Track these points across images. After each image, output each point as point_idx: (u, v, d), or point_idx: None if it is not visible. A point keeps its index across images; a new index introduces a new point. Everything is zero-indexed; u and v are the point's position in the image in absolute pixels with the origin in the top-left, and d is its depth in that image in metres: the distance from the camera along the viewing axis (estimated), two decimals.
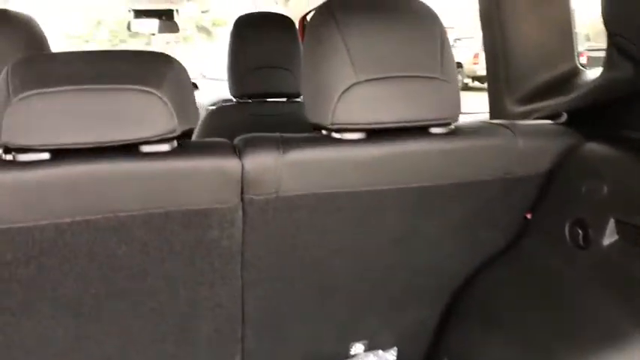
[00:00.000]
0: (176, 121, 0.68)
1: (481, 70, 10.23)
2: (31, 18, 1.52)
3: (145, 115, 0.66)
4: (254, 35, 1.64)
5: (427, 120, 0.79)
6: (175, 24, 2.70)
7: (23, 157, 0.65)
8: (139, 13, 2.62)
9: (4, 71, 0.68)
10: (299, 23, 2.67)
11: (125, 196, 0.69)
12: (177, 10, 2.67)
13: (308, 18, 2.71)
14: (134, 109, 0.66)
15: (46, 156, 0.65)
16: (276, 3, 2.47)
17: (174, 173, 0.70)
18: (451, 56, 0.81)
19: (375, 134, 0.78)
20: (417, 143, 0.79)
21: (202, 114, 2.84)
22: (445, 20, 0.83)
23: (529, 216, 0.95)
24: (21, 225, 0.66)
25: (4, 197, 0.64)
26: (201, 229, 0.74)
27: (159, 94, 0.66)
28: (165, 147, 0.69)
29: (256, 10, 2.78)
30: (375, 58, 0.75)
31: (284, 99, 1.72)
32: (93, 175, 0.66)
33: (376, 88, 0.75)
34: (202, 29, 14.90)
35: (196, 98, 2.59)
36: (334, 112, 0.74)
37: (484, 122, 0.91)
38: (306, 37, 0.83)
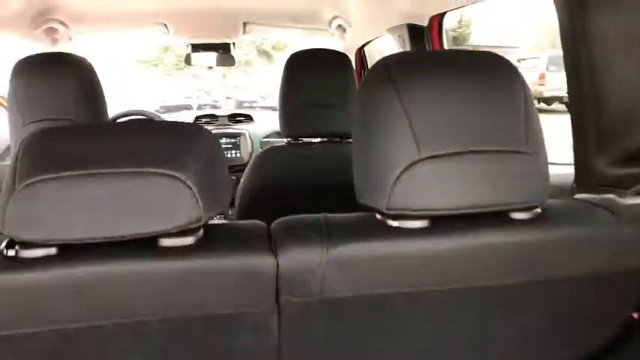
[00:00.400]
0: (202, 209, 0.58)
1: (547, 91, 9.71)
2: (84, 59, 1.52)
3: (165, 204, 0.57)
4: (307, 73, 1.56)
5: (507, 204, 0.64)
6: (232, 57, 2.68)
7: (27, 253, 0.57)
8: (197, 47, 2.63)
9: (17, 149, 0.60)
10: (355, 55, 2.58)
11: (141, 297, 0.59)
12: (233, 44, 2.66)
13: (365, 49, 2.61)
14: (153, 196, 0.56)
15: (53, 251, 0.57)
16: (332, 35, 2.39)
17: (197, 272, 0.60)
18: (537, 122, 0.66)
19: (442, 222, 0.64)
20: (494, 233, 0.65)
21: (256, 146, 2.82)
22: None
23: (635, 315, 0.77)
24: (24, 331, 0.58)
25: (4, 299, 0.56)
26: (230, 336, 0.63)
27: (182, 178, 0.57)
28: (188, 240, 0.59)
29: (311, 40, 2.75)
30: (442, 129, 0.61)
31: (337, 139, 1.63)
32: (105, 274, 0.57)
33: (443, 165, 0.61)
34: (263, 53, 15.23)
35: (251, 129, 2.54)
36: (391, 194, 0.61)
37: (576, 200, 0.74)
38: (358, 99, 0.71)
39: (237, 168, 2.83)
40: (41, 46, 2.22)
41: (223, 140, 2.77)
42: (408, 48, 1.75)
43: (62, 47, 2.30)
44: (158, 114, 2.69)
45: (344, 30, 2.24)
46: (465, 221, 0.64)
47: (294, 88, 1.55)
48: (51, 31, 2.07)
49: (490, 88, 0.65)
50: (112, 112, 1.67)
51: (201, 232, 0.61)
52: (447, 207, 0.62)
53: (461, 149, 0.61)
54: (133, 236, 0.57)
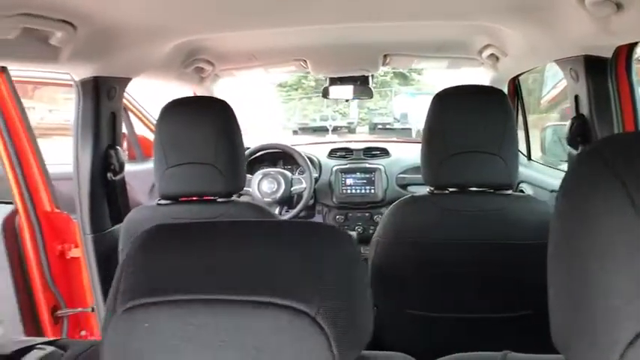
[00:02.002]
0: (336, 355, 0.43)
1: None
2: (225, 103, 1.51)
3: (289, 348, 0.42)
4: (458, 112, 1.36)
5: None
6: (369, 89, 2.58)
7: None
8: (335, 80, 2.57)
9: (129, 250, 0.52)
10: (508, 86, 2.30)
11: None
12: (372, 76, 2.55)
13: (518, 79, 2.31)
14: (271, 335, 0.43)
15: None
16: (482, 64, 2.14)
17: None
18: None
19: None
20: None
21: (391, 182, 2.65)
22: None
23: None
24: None
25: None
26: None
27: (312, 314, 0.42)
28: None
29: (452, 67, 2.53)
30: None
31: (490, 190, 1.39)
32: None
33: None
34: (399, 75, 15.12)
35: (386, 164, 2.35)
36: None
37: None
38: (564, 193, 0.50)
39: (370, 205, 2.70)
40: (188, 84, 2.34)
41: (357, 175, 2.66)
42: (583, 83, 1.46)
43: (208, 85, 2.40)
44: (293, 148, 2.67)
45: (496, 59, 1.99)
46: None
47: (441, 129, 1.36)
48: (198, 70, 2.15)
49: None
50: (247, 140, 1.65)
51: None
52: None
53: None
54: None
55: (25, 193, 1.72)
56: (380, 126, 13.73)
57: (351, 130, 14.43)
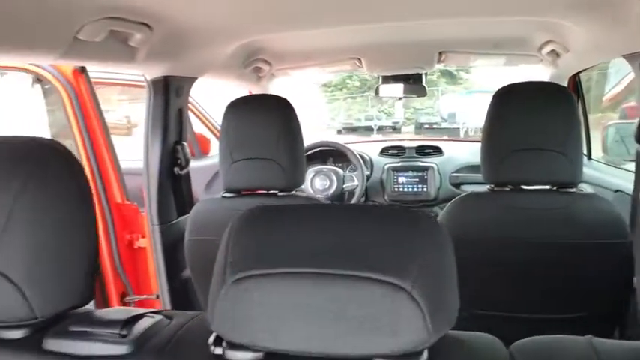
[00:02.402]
0: (430, 329, 0.46)
1: None
2: (286, 101, 1.57)
3: (385, 319, 0.46)
4: (519, 110, 1.35)
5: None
6: (423, 87, 2.58)
7: (234, 355, 0.51)
8: (388, 79, 2.59)
9: (228, 232, 0.56)
10: (569, 82, 2.25)
11: None
12: (425, 74, 2.55)
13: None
14: (370, 308, 0.46)
15: (259, 356, 0.51)
16: (541, 60, 2.11)
17: None
18: None
19: None
20: None
21: (444, 181, 2.64)
22: None
23: None
24: None
25: None
26: None
27: (408, 289, 0.45)
28: None
29: (511, 70, 2.48)
30: None
31: (552, 188, 1.38)
32: None
33: None
34: (446, 73, 14.87)
35: (439, 163, 2.36)
36: None
37: None
38: None
39: (423, 204, 2.70)
40: (246, 83, 2.42)
41: (410, 173, 2.66)
42: None
43: (264, 84, 2.48)
44: (346, 145, 2.70)
45: (557, 55, 1.95)
46: None
47: (503, 125, 1.36)
48: (256, 69, 2.23)
49: None
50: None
51: (425, 354, 0.49)
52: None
53: None
54: (346, 356, 0.48)
55: (99, 186, 1.84)
56: (426, 126, 13.54)
57: (396, 130, 14.31)
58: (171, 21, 1.33)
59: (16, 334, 0.59)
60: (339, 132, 14.06)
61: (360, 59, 2.30)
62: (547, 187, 1.38)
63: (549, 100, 1.36)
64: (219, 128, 2.95)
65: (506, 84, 1.43)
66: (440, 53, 2.21)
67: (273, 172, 1.51)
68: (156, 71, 1.63)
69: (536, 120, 1.33)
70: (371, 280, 0.46)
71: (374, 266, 0.47)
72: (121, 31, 1.25)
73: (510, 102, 1.38)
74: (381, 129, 13.75)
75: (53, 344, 0.57)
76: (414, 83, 2.56)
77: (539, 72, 2.25)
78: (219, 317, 0.51)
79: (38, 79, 1.73)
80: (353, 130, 13.63)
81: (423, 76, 2.55)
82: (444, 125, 13.41)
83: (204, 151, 2.98)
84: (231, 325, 0.50)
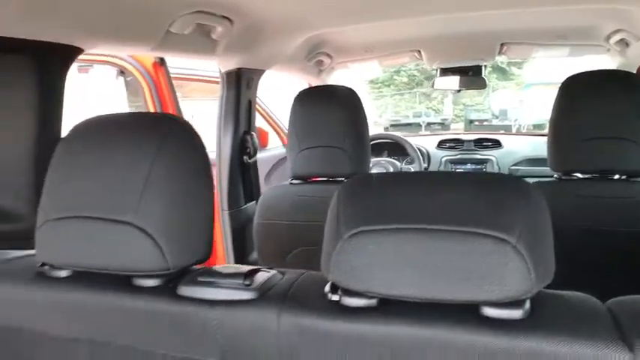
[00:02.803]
0: (533, 279, 0.50)
1: None
2: (353, 91, 1.63)
3: (493, 270, 0.51)
4: (588, 98, 1.35)
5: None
6: (482, 79, 2.57)
7: (349, 301, 0.58)
8: (446, 71, 2.59)
9: (337, 196, 0.63)
10: (638, 72, 2.18)
11: None
12: (485, 66, 2.54)
13: None
14: (480, 260, 0.51)
15: (373, 303, 0.57)
16: (607, 50, 2.06)
17: (524, 351, 0.52)
18: None
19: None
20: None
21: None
22: None
23: None
24: None
25: (326, 343, 0.58)
26: None
27: (513, 243, 0.50)
28: (515, 313, 0.52)
29: (566, 62, 2.43)
30: None
31: (621, 177, 1.37)
32: (424, 337, 0.55)
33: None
34: (497, 69, 14.50)
35: (498, 155, 2.36)
36: None
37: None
38: None
39: None
40: (308, 76, 2.49)
41: (468, 166, 2.66)
42: None
43: (324, 77, 2.54)
44: (403, 138, 2.73)
45: (626, 45, 1.91)
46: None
47: (571, 115, 1.36)
48: (318, 63, 2.30)
49: None
50: None
51: (528, 305, 0.53)
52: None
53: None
54: (454, 301, 0.53)
55: None
56: (476, 122, 13.26)
57: (444, 127, 14.08)
58: (249, 14, 1.41)
59: (152, 282, 0.68)
60: (386, 129, 13.97)
61: (419, 51, 2.33)
62: (616, 176, 1.37)
63: (619, 88, 1.35)
64: (277, 122, 3.05)
65: (573, 74, 1.43)
66: (502, 45, 2.21)
67: (340, 160, 1.57)
68: (230, 64, 1.72)
69: (605, 108, 1.32)
70: (479, 235, 0.51)
71: (481, 223, 0.51)
72: (206, 25, 1.34)
73: (579, 91, 1.38)
74: (429, 126, 13.58)
75: (186, 291, 0.66)
76: (473, 75, 2.55)
77: (603, 62, 2.20)
78: (336, 268, 0.57)
79: (121, 71, 1.86)
80: (400, 126, 13.52)
81: (483, 69, 2.54)
82: (495, 122, 13.10)
83: (262, 144, 3.08)
84: (348, 275, 0.56)
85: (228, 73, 1.76)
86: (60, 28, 0.98)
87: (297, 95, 1.63)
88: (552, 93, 1.46)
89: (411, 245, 0.53)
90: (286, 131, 3.09)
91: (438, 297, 0.53)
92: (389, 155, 2.88)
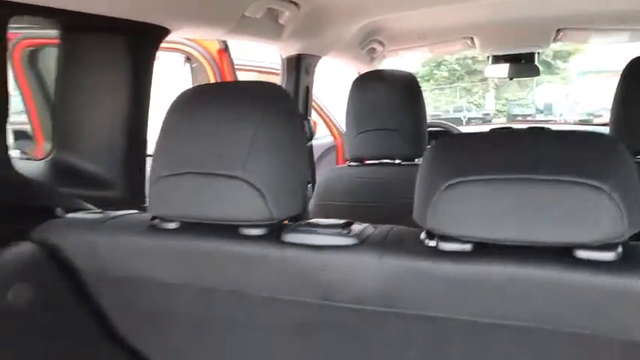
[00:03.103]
0: (626, 224, 0.54)
1: None
2: (410, 75, 1.66)
3: (587, 215, 0.55)
4: None
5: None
6: (535, 67, 2.54)
7: (445, 246, 0.62)
8: (498, 59, 2.57)
9: (427, 154, 0.67)
10: None
11: (551, 305, 0.58)
12: (538, 53, 2.51)
13: None
14: (574, 206, 0.55)
15: (468, 248, 0.61)
16: None
17: (616, 292, 0.55)
18: None
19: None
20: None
21: None
22: None
23: None
24: (436, 314, 0.64)
25: (425, 284, 0.63)
26: None
27: (606, 190, 0.54)
28: (608, 255, 0.56)
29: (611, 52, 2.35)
30: None
31: None
32: (520, 276, 0.59)
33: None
34: (542, 62, 14.04)
35: None
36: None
37: None
38: None
39: None
40: (359, 64, 2.53)
41: None
42: None
43: (375, 65, 2.58)
44: (454, 126, 2.74)
45: None
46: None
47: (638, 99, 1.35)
48: (371, 50, 2.34)
49: None
50: None
51: (620, 249, 0.57)
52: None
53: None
54: (548, 244, 0.57)
55: None
56: (519, 117, 12.94)
57: (486, 122, 13.83)
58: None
59: (257, 231, 0.74)
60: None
61: (472, 38, 2.33)
62: None
63: None
64: (326, 111, 3.10)
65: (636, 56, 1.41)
66: (558, 30, 2.18)
67: (397, 143, 1.61)
68: (292, 49, 1.78)
69: None
70: (575, 183, 0.55)
71: (576, 172, 0.55)
72: (275, 9, 1.41)
73: None
74: (470, 121, 13.37)
75: (291, 237, 0.72)
76: (525, 63, 2.53)
77: None
78: (434, 215, 0.62)
79: (188, 58, 1.96)
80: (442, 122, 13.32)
81: (536, 56, 2.51)
82: (539, 117, 12.75)
83: None
84: (447, 222, 0.61)
85: (289, 59, 1.83)
86: (152, 8, 1.06)
87: (356, 79, 1.67)
88: (606, 82, 1.45)
89: (508, 193, 0.57)
90: (334, 121, 3.14)
91: (533, 239, 0.57)
92: None
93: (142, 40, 1.11)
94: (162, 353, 0.87)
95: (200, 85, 0.82)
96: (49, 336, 0.81)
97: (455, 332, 0.64)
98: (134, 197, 1.14)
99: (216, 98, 0.77)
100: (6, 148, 0.86)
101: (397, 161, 1.66)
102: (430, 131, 2.82)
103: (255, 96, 0.75)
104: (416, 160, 1.68)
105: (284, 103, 0.76)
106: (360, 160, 1.71)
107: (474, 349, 0.64)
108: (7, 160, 0.86)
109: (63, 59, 1.10)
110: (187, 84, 2.06)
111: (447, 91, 16.04)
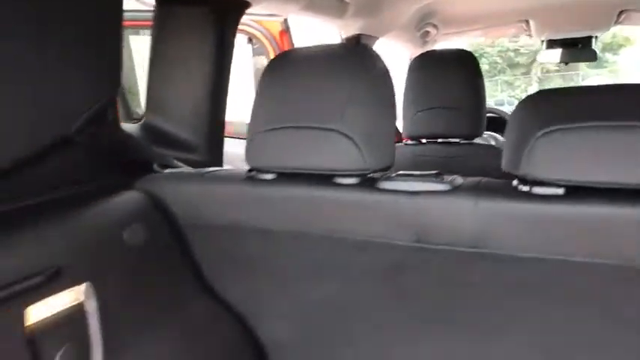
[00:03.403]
0: None
1: None
2: (471, 55, 1.68)
3: None
4: None
5: None
6: (592, 52, 2.49)
7: (538, 190, 0.67)
8: (553, 43, 2.54)
9: (523, 104, 0.72)
10: None
11: (636, 245, 0.62)
12: (596, 37, 2.46)
13: None
14: None
15: (560, 192, 0.65)
16: None
17: None
18: None
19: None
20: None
21: None
22: None
23: None
24: (527, 255, 0.68)
25: (517, 225, 0.67)
26: None
27: None
28: None
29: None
30: None
31: None
32: (609, 217, 0.63)
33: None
34: None
35: None
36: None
37: None
38: None
39: None
40: (413, 46, 2.56)
41: None
42: None
43: (428, 48, 2.59)
44: (505, 112, 2.73)
45: None
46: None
47: None
48: (425, 34, 2.36)
49: None
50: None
51: None
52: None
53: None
54: (632, 186, 0.61)
55: None
56: None
57: None
58: None
59: (352, 180, 0.80)
60: None
61: (527, 21, 2.31)
62: None
63: None
64: None
65: None
66: (620, 12, 2.14)
67: (455, 121, 1.63)
68: (352, 29, 1.83)
69: None
70: None
71: None
72: None
73: None
74: None
75: (386, 184, 0.77)
76: (582, 48, 2.49)
77: None
78: (528, 162, 0.66)
79: (250, 38, 2.04)
80: None
81: (593, 40, 2.47)
82: None
83: None
84: (542, 167, 0.65)
85: (349, 39, 1.88)
86: None
87: (416, 58, 1.70)
88: None
89: (600, 139, 0.61)
90: None
91: (624, 181, 0.61)
92: (491, 130, 2.87)
93: (227, 13, 1.18)
94: (250, 297, 0.94)
95: (294, 48, 0.88)
96: (154, 272, 0.89)
97: (546, 272, 0.68)
98: (215, 160, 1.22)
99: (313, 59, 0.83)
100: (116, 110, 0.94)
101: (455, 140, 1.69)
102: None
103: (351, 55, 0.81)
104: (475, 139, 1.69)
105: (378, 62, 0.81)
106: (417, 139, 1.74)
107: (562, 288, 0.68)
108: (117, 120, 0.95)
109: (157, 32, 1.18)
110: (248, 64, 2.14)
111: (487, 85, 15.70)
